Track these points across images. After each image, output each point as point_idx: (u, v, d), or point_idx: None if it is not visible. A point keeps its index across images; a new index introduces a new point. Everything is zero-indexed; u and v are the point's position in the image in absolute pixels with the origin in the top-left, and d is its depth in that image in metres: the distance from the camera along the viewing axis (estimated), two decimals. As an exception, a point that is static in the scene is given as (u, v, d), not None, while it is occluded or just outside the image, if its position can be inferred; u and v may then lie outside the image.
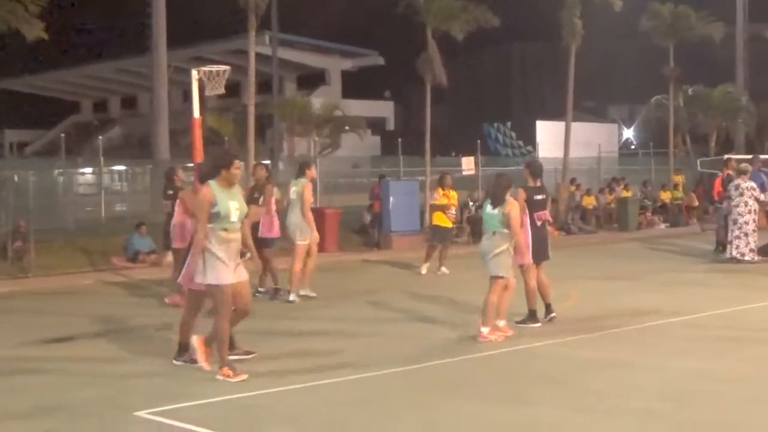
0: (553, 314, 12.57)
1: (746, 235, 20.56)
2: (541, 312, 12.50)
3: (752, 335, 11.59)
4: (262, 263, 13.68)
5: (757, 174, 21.39)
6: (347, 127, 36.10)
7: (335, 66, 65.90)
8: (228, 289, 9.49)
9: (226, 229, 9.46)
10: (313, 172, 16.24)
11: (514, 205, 11.64)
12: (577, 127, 37.86)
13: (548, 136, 44.23)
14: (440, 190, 19.78)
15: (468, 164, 31.12)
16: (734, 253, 20.46)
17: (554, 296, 12.68)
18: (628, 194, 33.08)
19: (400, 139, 32.04)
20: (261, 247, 14.15)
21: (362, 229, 26.91)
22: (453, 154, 37.97)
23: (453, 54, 35.02)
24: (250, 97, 26.31)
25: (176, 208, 14.28)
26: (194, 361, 9.87)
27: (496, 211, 11.64)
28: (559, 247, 16.29)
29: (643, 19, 39.03)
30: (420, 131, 32.21)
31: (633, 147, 64.05)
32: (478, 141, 34.44)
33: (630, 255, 23.03)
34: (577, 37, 33.34)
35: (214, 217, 9.42)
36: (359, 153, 41.74)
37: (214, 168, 9.66)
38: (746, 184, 20.64)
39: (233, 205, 9.51)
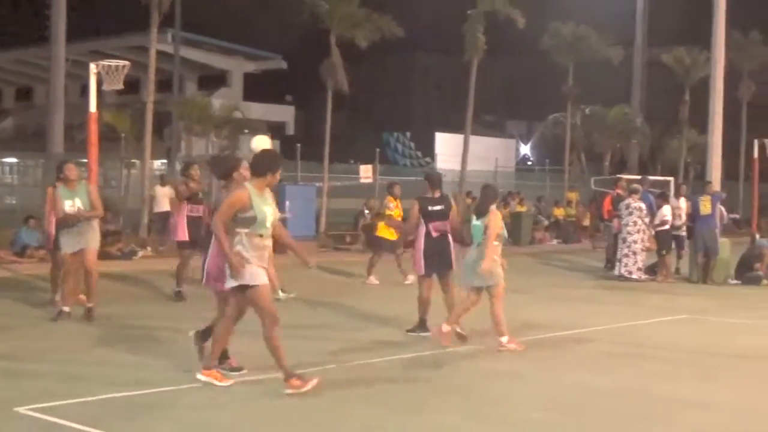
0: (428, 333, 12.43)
1: (634, 253, 20.99)
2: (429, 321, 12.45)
3: (640, 351, 11.82)
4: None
5: (646, 194, 21.88)
6: (246, 130, 35.86)
7: (238, 68, 65.39)
8: (266, 289, 9.08)
9: (261, 235, 9.01)
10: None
11: (494, 216, 11.68)
12: (475, 140, 38.30)
13: (447, 148, 44.67)
14: (392, 200, 19.24)
15: (366, 172, 31.25)
16: (622, 270, 20.88)
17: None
18: (523, 209, 33.48)
19: (299, 144, 31.92)
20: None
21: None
22: (351, 161, 38.05)
23: (356, 62, 35.07)
24: (150, 94, 26.00)
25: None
26: (238, 369, 9.66)
27: (479, 222, 11.75)
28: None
29: (545, 38, 39.73)
30: (320, 137, 32.20)
31: (530, 163, 65.03)
32: (377, 150, 34.52)
33: (522, 269, 23.23)
34: (479, 51, 33.75)
35: (250, 221, 8.93)
36: (258, 156, 41.43)
37: (261, 169, 9.07)
38: (636, 204, 21.09)
39: (268, 210, 9.06)
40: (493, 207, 11.80)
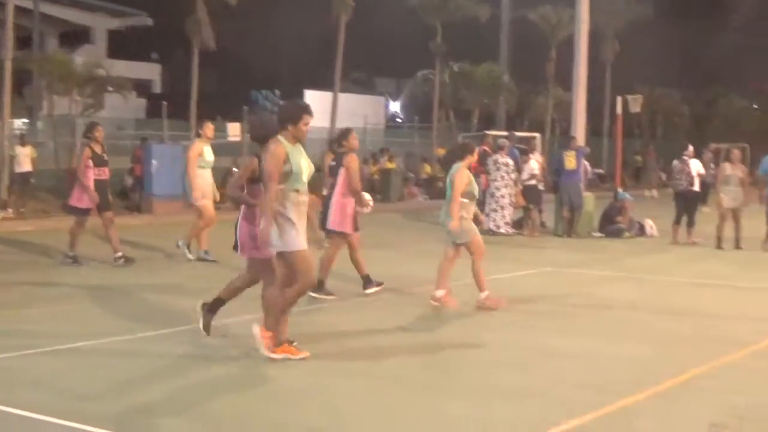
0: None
1: (502, 208, 21.31)
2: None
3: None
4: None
5: (512, 150, 22.16)
6: (111, 88, 35.02)
7: (101, 24, 63.68)
8: (306, 254, 8.58)
9: (298, 190, 8.54)
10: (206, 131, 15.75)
11: (458, 174, 11.58)
12: (345, 98, 38.22)
13: (316, 105, 43.84)
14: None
15: (234, 131, 30.87)
16: (491, 225, 21.15)
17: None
18: (392, 166, 33.64)
19: (165, 103, 31.26)
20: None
21: (123, 193, 26.23)
22: (218, 118, 37.52)
23: (223, 18, 34.49)
24: (8, 51, 25.07)
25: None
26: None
27: (448, 179, 11.74)
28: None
29: (414, -4, 39.81)
30: (187, 95, 31.66)
31: (399, 120, 65.23)
32: (245, 107, 34.09)
33: (392, 225, 23.42)
34: (348, 9, 33.61)
35: (286, 176, 8.45)
36: (124, 115, 40.61)
37: (280, 121, 8.63)
38: (503, 159, 21.36)
39: (304, 164, 8.60)
40: (458, 164, 11.71)
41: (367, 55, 57.57)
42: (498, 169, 21.29)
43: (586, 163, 23.62)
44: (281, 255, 8.57)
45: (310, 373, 8.18)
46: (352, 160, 12.13)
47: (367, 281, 12.49)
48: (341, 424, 6.83)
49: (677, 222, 20.15)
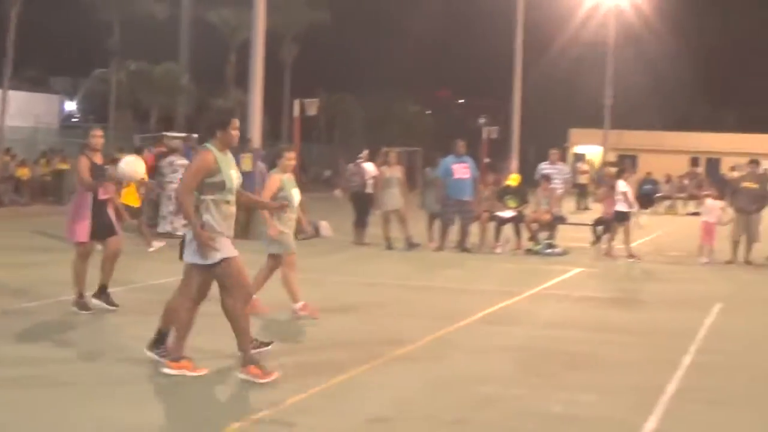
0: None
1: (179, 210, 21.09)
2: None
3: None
4: None
5: (188, 151, 21.98)
6: None
7: None
8: (239, 262, 8.06)
9: (228, 202, 8.04)
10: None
11: (269, 181, 11.12)
12: (15, 96, 36.56)
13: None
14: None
15: None
16: (168, 228, 20.88)
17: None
18: (66, 166, 32.49)
19: None
20: None
21: None
22: None
23: None
24: None
25: None
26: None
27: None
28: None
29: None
30: None
31: (75, 119, 63.18)
32: None
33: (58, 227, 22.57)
34: (18, 3, 32.20)
35: (218, 187, 7.94)
36: None
37: (208, 128, 8.13)
38: (180, 161, 21.15)
39: (234, 174, 8.07)
40: (272, 172, 11.29)
41: (41, 52, 55.30)
42: (175, 171, 21.03)
43: (262, 164, 23.79)
44: (209, 267, 8.08)
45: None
46: None
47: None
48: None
49: (356, 223, 20.71)
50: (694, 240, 19.99)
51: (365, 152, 21.26)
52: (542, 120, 56.82)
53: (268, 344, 9.14)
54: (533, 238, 20.02)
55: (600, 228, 20.07)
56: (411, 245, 19.71)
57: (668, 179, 39.89)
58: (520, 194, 20.75)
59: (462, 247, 19.60)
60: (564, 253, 19.56)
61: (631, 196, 19.97)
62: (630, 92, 57.80)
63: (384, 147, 24.04)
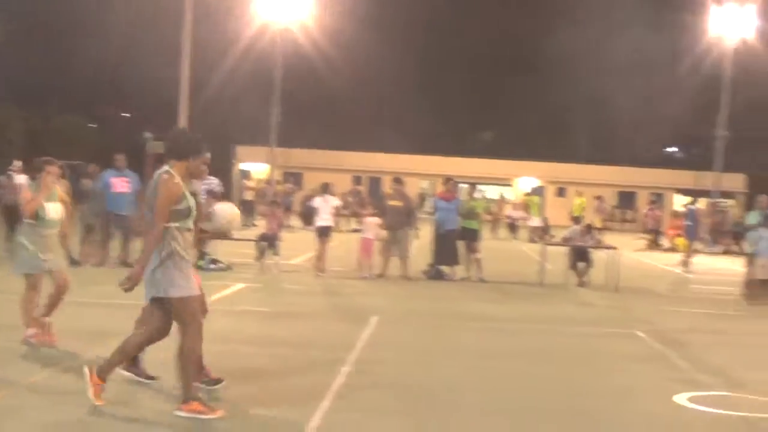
0: None
1: None
2: None
3: None
4: None
5: None
6: None
7: None
8: (198, 300, 7.74)
9: (190, 229, 7.60)
10: None
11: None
12: None
13: None
14: None
15: None
16: None
17: None
18: None
19: None
20: None
21: None
22: None
23: None
24: None
25: None
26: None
27: None
28: None
29: None
30: None
31: None
32: None
33: None
34: None
35: (182, 214, 7.48)
36: None
37: (181, 152, 7.53)
38: None
39: (192, 202, 7.56)
40: None
41: None
42: None
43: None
44: (172, 301, 7.53)
45: None
46: None
47: None
48: None
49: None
50: (355, 255, 20.56)
51: (18, 163, 20.23)
52: (210, 136, 56.64)
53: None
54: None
55: (264, 243, 20.20)
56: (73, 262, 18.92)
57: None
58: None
59: (125, 262, 19.02)
60: (227, 268, 19.51)
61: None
62: (298, 111, 58.84)
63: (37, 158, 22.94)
